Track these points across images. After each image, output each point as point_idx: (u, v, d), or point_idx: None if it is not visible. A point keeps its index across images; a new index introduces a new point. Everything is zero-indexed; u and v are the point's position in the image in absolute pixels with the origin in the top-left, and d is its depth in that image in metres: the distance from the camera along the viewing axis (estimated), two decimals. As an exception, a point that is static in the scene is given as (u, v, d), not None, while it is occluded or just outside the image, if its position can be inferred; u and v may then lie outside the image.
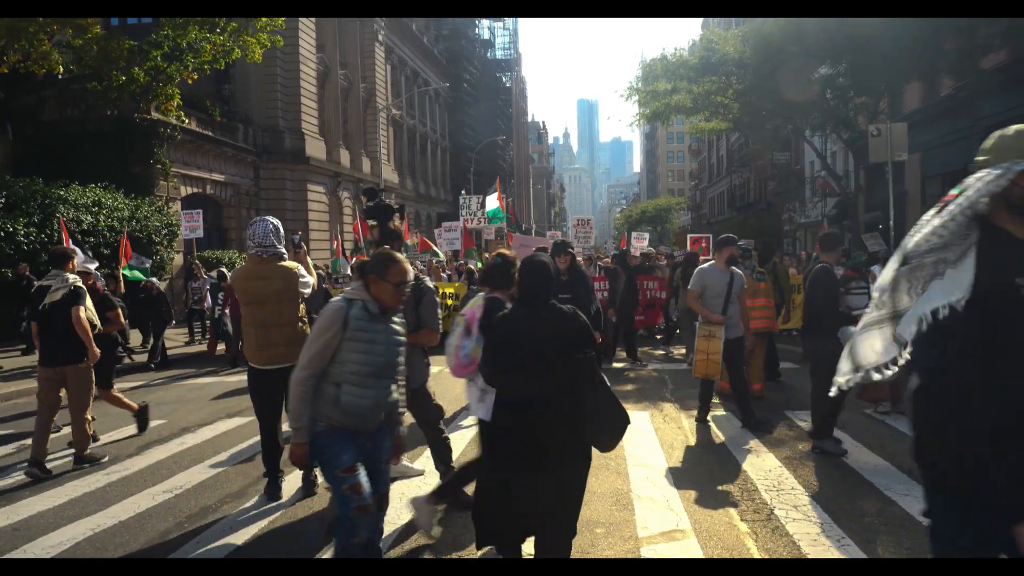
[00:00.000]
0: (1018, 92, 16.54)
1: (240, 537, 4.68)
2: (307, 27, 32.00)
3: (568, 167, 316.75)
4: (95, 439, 7.26)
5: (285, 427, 5.49)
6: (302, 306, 5.43)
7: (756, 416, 7.39)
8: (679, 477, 5.80)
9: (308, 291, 5.46)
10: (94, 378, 6.79)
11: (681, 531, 4.67)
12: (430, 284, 5.40)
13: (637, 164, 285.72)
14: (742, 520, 4.84)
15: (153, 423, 8.28)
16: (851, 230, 29.63)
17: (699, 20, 79.83)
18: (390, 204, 6.09)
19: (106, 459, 6.70)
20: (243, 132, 28.73)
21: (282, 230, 5.41)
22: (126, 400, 7.81)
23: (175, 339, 16.16)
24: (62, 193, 16.92)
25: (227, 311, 13.01)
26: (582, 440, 3.47)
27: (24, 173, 16.99)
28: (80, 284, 6.58)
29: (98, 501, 5.56)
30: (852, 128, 20.76)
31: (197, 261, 17.40)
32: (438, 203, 54.53)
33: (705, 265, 7.49)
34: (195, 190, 25.69)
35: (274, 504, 5.27)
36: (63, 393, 6.65)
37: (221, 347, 13.69)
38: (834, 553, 4.26)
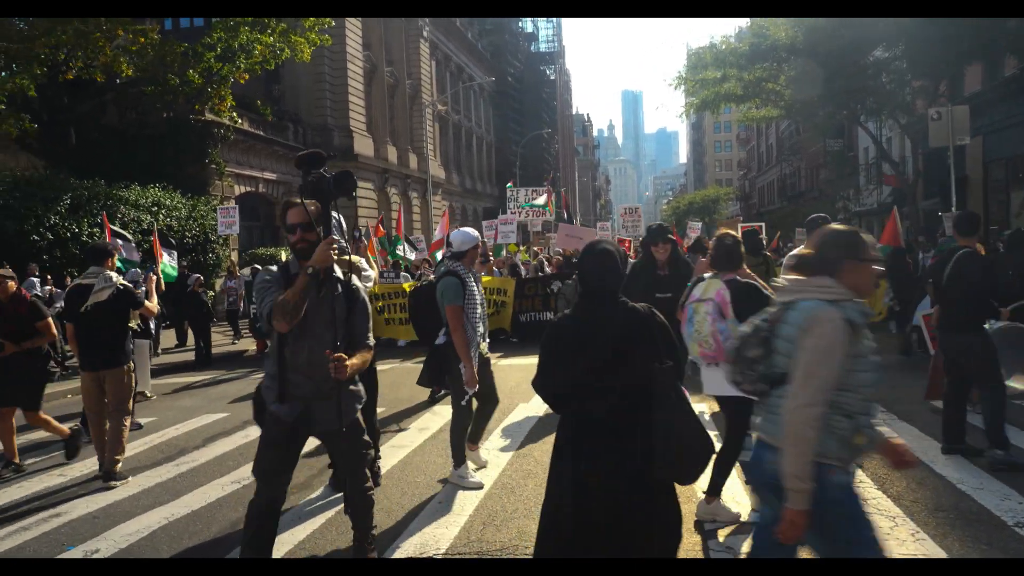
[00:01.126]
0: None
1: (307, 527, 4.77)
2: (353, 26, 32.36)
3: (613, 159, 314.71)
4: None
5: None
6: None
7: None
8: (740, 466, 5.71)
9: (370, 284, 5.53)
10: (133, 383, 6.35)
11: (750, 524, 4.60)
12: (359, 285, 4.05)
13: (683, 155, 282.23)
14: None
15: (216, 416, 8.51)
16: (909, 218, 28.81)
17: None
18: (349, 173, 3.51)
19: (129, 479, 6.04)
20: (293, 131, 29.22)
21: (344, 224, 5.47)
22: (55, 424, 6.70)
23: (216, 339, 15.93)
24: (123, 194, 17.45)
25: None
26: (653, 472, 2.81)
27: (87, 176, 17.56)
28: (125, 283, 6.21)
29: (170, 491, 5.73)
30: (910, 112, 20.15)
31: (233, 259, 17.30)
32: (484, 197, 54.71)
33: (793, 253, 6.55)
34: (248, 189, 26.23)
35: (339, 495, 5.35)
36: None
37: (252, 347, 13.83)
38: (909, 549, 4.15)
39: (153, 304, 6.73)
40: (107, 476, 5.93)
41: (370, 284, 5.54)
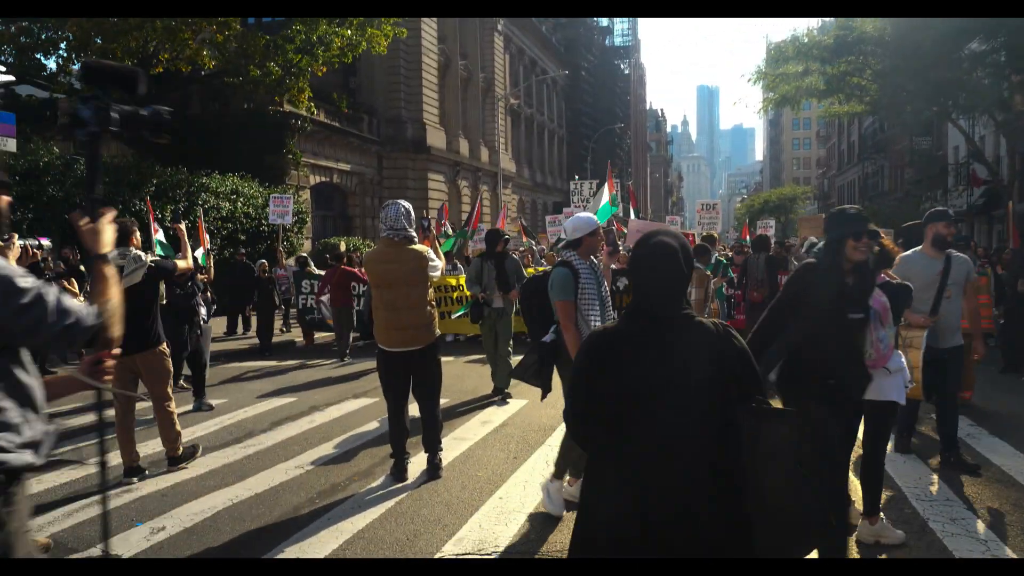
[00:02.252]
0: None
1: (367, 516, 4.75)
2: (429, 19, 32.59)
3: (686, 155, 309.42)
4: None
5: (412, 409, 5.58)
6: (431, 290, 5.46)
7: (959, 455, 5.68)
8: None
9: (437, 274, 5.48)
10: (170, 365, 6.01)
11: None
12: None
13: (759, 152, 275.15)
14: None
15: (283, 401, 8.65)
16: (1002, 220, 27.28)
17: None
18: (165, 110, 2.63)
19: (200, 452, 6.15)
20: (367, 123, 29.66)
21: (413, 214, 5.45)
22: None
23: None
24: (204, 181, 18.01)
25: (321, 298, 12.82)
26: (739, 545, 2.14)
27: (170, 163, 18.19)
28: (155, 258, 5.90)
29: (235, 473, 5.82)
30: (1007, 109, 19.02)
31: (280, 247, 16.59)
32: (554, 192, 54.49)
33: (909, 252, 5.44)
34: (323, 179, 26.76)
35: (400, 485, 5.34)
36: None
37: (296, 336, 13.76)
38: None
39: (188, 259, 6.30)
40: (172, 461, 5.84)
41: (436, 274, 5.49)
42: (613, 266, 15.50)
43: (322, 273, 13.39)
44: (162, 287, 6.47)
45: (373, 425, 7.34)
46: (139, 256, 5.55)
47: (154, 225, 11.44)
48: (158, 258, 5.77)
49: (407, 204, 5.45)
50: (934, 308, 5.24)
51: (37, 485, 5.54)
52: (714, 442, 2.13)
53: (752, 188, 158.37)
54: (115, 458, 6.15)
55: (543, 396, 4.83)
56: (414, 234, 5.39)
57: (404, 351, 5.32)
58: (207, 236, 12.35)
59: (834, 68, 18.78)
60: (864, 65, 18.72)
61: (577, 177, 23.91)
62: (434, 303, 5.50)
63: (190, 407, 8.10)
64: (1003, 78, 18.25)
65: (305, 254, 15.74)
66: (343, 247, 22.72)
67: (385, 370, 5.46)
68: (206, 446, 6.67)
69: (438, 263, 5.52)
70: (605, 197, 19.69)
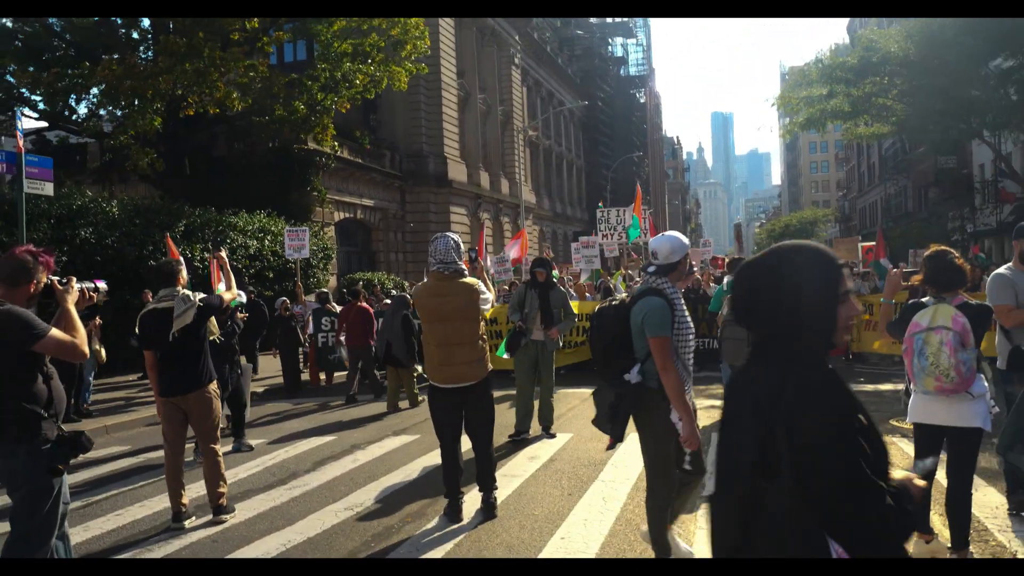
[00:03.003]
0: None
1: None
2: (448, 54, 32.98)
3: (703, 182, 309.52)
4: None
5: (466, 447, 5.42)
6: (482, 324, 5.32)
7: None
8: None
9: (488, 307, 5.35)
10: (219, 406, 5.83)
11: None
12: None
13: (776, 176, 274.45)
14: (981, 566, 4.22)
15: (323, 440, 8.52)
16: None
17: (843, 23, 75.77)
18: None
19: (235, 513, 5.71)
20: (390, 158, 29.90)
21: (463, 246, 5.34)
22: None
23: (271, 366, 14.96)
24: (232, 220, 18.13)
25: (341, 338, 12.37)
26: None
27: (199, 203, 18.36)
28: (203, 295, 5.69)
29: (284, 516, 5.67)
30: (1039, 125, 18.75)
31: (299, 283, 15.73)
32: (574, 222, 54.52)
33: (1002, 269, 4.93)
34: (347, 215, 26.91)
35: (456, 526, 5.16)
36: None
37: (321, 375, 13.20)
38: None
39: (233, 289, 6.12)
40: (217, 511, 5.55)
41: (487, 307, 5.37)
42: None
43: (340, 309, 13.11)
44: (213, 322, 6.38)
45: (418, 463, 7.18)
46: (187, 296, 5.42)
47: (218, 275, 11.55)
48: (204, 298, 5.60)
49: (456, 236, 5.34)
50: None
51: (83, 532, 5.43)
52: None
53: (771, 212, 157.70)
54: (161, 502, 6.07)
55: (612, 444, 4.15)
56: (464, 267, 5.28)
57: (457, 387, 5.18)
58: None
59: (859, 90, 18.66)
60: (889, 85, 18.59)
61: (602, 204, 23.65)
62: (485, 337, 5.37)
63: (229, 448, 7.98)
64: (1032, 94, 18.02)
65: (326, 290, 15.25)
66: (378, 281, 22.86)
67: (437, 407, 5.31)
68: (249, 488, 6.55)
69: (489, 296, 5.40)
70: (632, 216, 19.32)
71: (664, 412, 3.84)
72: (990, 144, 21.06)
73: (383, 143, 29.99)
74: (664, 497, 4.01)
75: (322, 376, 13.40)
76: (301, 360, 14.07)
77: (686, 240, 4.06)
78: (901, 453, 6.83)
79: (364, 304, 12.10)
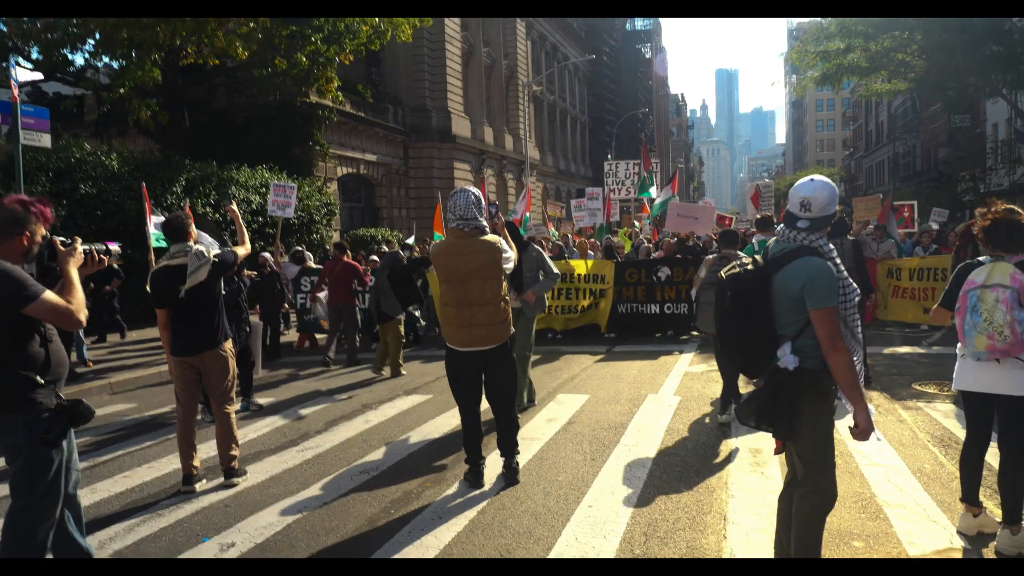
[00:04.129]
0: None
1: (451, 529, 4.39)
2: (452, 5, 32.11)
3: (706, 140, 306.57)
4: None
5: (484, 408, 5.22)
6: (504, 284, 5.06)
7: None
8: (925, 480, 5.02)
9: (510, 266, 5.08)
10: (233, 365, 5.52)
11: (956, 549, 3.96)
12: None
13: (780, 135, 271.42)
14: (1029, 540, 4.04)
15: (333, 400, 8.34)
16: (1047, 199, 26.43)
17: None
18: None
19: (247, 475, 5.54)
20: (393, 113, 29.33)
21: (484, 201, 5.05)
22: None
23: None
24: (233, 175, 17.76)
25: (319, 296, 11.56)
26: None
27: (199, 158, 17.95)
28: (218, 251, 5.48)
29: (298, 480, 5.49)
30: (1059, 83, 18.24)
31: (278, 243, 13.62)
32: (578, 179, 53.91)
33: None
34: (350, 170, 26.48)
35: (478, 492, 4.98)
36: None
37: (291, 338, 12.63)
38: None
39: (246, 244, 5.74)
40: (228, 474, 5.38)
41: (510, 266, 5.11)
42: (656, 254, 14.61)
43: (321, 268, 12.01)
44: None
45: (433, 424, 7.00)
46: (201, 252, 5.14)
47: (150, 214, 10.58)
48: (219, 253, 5.37)
49: (476, 191, 5.04)
50: None
51: (91, 495, 5.26)
52: None
53: (774, 171, 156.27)
54: (170, 464, 5.90)
55: (779, 448, 3.35)
56: (485, 223, 5.00)
57: (478, 351, 4.94)
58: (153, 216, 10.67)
59: (877, 44, 18.09)
60: (909, 40, 18.00)
61: (611, 156, 23.14)
62: (508, 298, 5.11)
63: (237, 407, 7.79)
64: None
65: (301, 248, 13.98)
66: (382, 237, 22.47)
67: (456, 372, 5.06)
68: (260, 449, 6.38)
69: (511, 254, 5.12)
70: (656, 190, 18.81)
71: (831, 397, 3.19)
72: (1012, 103, 20.50)
73: (386, 97, 29.39)
74: (831, 497, 3.23)
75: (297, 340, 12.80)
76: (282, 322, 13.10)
77: (835, 189, 3.23)
78: (926, 418, 6.65)
79: (350, 260, 11.14)
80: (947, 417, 6.62)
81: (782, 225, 3.25)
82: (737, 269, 3.24)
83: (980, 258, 4.06)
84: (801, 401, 3.14)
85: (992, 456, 4.12)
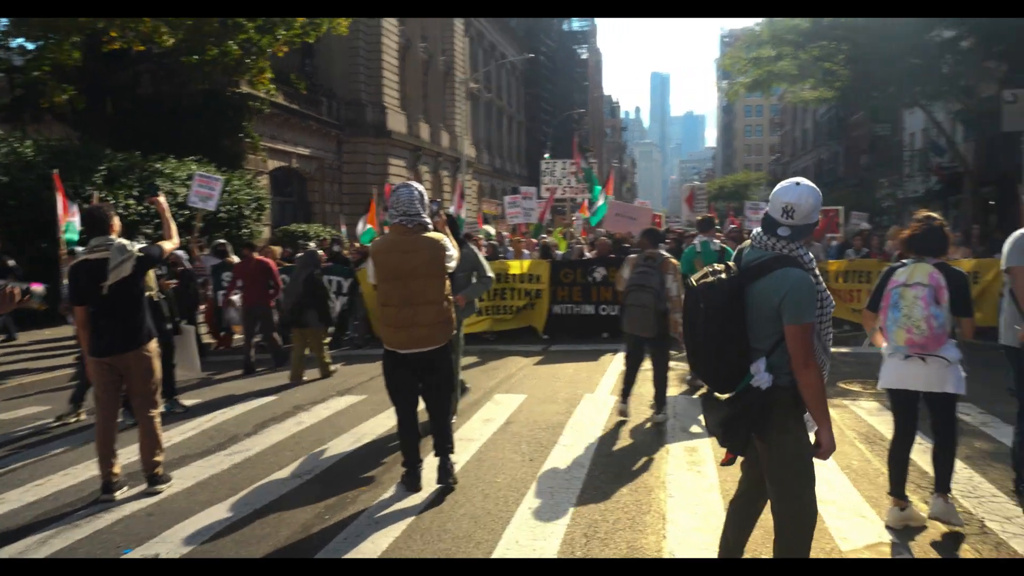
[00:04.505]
0: None
1: (389, 534, 4.27)
2: None
3: (639, 142, 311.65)
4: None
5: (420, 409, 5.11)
6: (447, 283, 4.95)
7: None
8: (853, 477, 5.16)
9: (453, 265, 4.97)
10: (158, 367, 5.24)
11: (887, 544, 4.07)
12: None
13: (710, 139, 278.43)
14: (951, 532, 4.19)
15: (262, 401, 8.07)
16: (958, 206, 27.81)
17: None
18: None
19: (172, 482, 5.27)
20: (327, 106, 28.75)
21: (427, 197, 4.92)
22: None
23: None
24: (159, 166, 17.08)
25: (232, 297, 10.70)
26: None
27: (122, 147, 17.19)
28: (143, 245, 5.17)
29: (226, 485, 5.27)
30: (972, 96, 19.18)
31: (195, 236, 12.81)
32: (514, 177, 54.00)
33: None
34: (281, 164, 25.84)
35: (415, 496, 4.87)
36: None
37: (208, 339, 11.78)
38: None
39: (174, 238, 5.41)
40: (151, 480, 5.10)
41: (452, 265, 5.01)
42: (591, 254, 14.54)
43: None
44: (151, 276, 5.80)
45: (368, 425, 6.84)
46: (123, 246, 4.88)
47: (64, 205, 10.08)
48: (145, 248, 5.08)
49: (420, 186, 4.92)
50: None
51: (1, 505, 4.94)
52: None
53: (704, 174, 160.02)
54: (87, 471, 5.58)
55: (728, 460, 3.17)
56: (428, 220, 4.88)
57: (418, 352, 4.81)
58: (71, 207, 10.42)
59: (807, 53, 18.69)
60: (836, 50, 18.65)
61: (548, 155, 23.02)
62: (451, 297, 5.00)
63: (162, 409, 7.46)
64: (970, 65, 18.37)
65: (223, 241, 13.23)
66: (314, 233, 21.93)
67: (394, 374, 4.91)
68: (186, 454, 6.11)
69: (454, 252, 5.01)
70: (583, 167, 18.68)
71: (802, 415, 2.98)
72: (929, 114, 21.49)
73: (320, 90, 28.78)
74: (812, 517, 3.03)
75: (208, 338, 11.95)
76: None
77: (819, 194, 3.01)
78: (852, 415, 6.85)
79: (263, 257, 10.39)
80: (871, 415, 6.83)
81: (758, 230, 3.00)
82: (711, 278, 3.01)
83: (904, 260, 4.35)
84: (777, 420, 2.94)
85: (916, 453, 4.30)
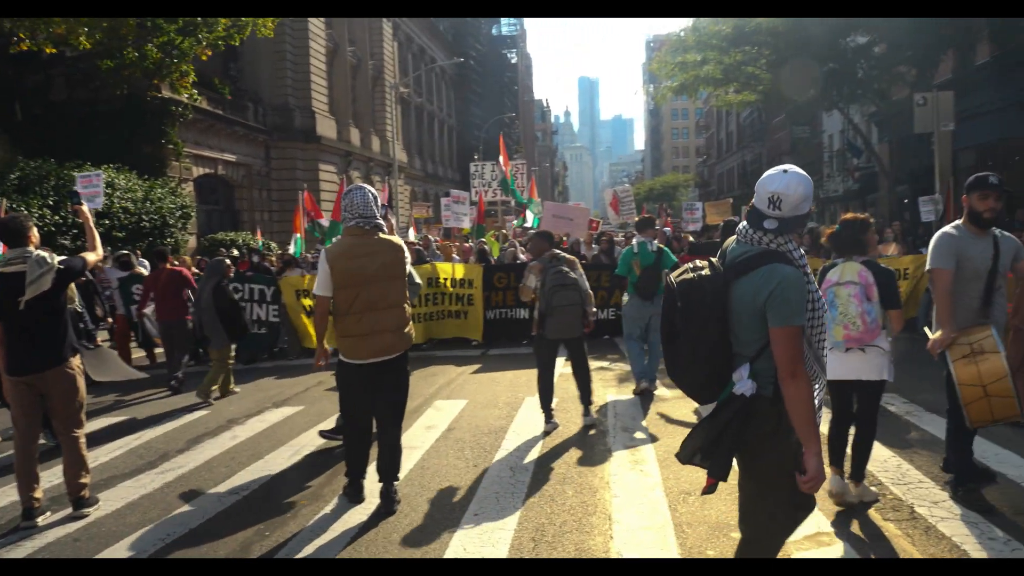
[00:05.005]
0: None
1: (332, 548, 4.16)
2: (316, 2, 31.19)
3: (569, 145, 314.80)
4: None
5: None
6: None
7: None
8: (791, 471, 5.30)
9: (407, 270, 4.88)
10: (82, 384, 4.98)
11: (826, 534, 4.18)
12: None
13: (639, 142, 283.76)
14: (885, 520, 4.34)
15: (194, 416, 7.80)
16: (875, 204, 29.07)
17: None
18: None
19: (99, 504, 5.03)
20: (253, 111, 28.08)
21: (380, 199, 4.81)
22: None
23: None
24: (75, 174, 16.34)
25: (145, 311, 10.02)
26: None
27: (36, 154, 16.42)
28: (63, 257, 4.90)
29: (159, 505, 5.05)
30: (885, 99, 20.10)
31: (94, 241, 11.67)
32: (445, 182, 53.77)
33: (949, 228, 4.45)
34: (207, 170, 25.10)
35: (358, 507, 4.76)
36: None
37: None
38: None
39: (98, 249, 5.17)
40: (77, 504, 4.86)
41: (410, 267, 4.93)
42: (524, 258, 14.44)
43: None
44: (73, 289, 5.49)
45: (306, 437, 6.67)
46: (43, 258, 4.62)
47: None
48: (65, 260, 4.82)
49: (372, 189, 4.81)
50: (986, 301, 4.29)
51: (-91, 536, 4.61)
52: None
53: (634, 176, 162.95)
54: (6, 497, 5.28)
55: (709, 487, 2.72)
56: (383, 222, 4.77)
57: (379, 362, 4.63)
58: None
59: (730, 58, 19.25)
60: (759, 55, 19.28)
61: (477, 157, 22.79)
62: (409, 303, 4.90)
63: (87, 430, 7.12)
64: (886, 69, 19.24)
65: (127, 251, 12.40)
66: (242, 241, 21.27)
67: (351, 386, 4.72)
68: (113, 474, 5.84)
69: (409, 257, 4.93)
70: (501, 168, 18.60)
71: (787, 432, 2.60)
72: (844, 115, 22.42)
73: (246, 94, 28.07)
74: (775, 551, 2.82)
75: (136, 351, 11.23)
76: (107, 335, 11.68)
77: (810, 182, 2.66)
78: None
79: (177, 267, 9.68)
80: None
81: (744, 223, 2.71)
82: (690, 275, 2.69)
83: (835, 259, 4.61)
84: (758, 435, 2.62)
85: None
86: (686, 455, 2.75)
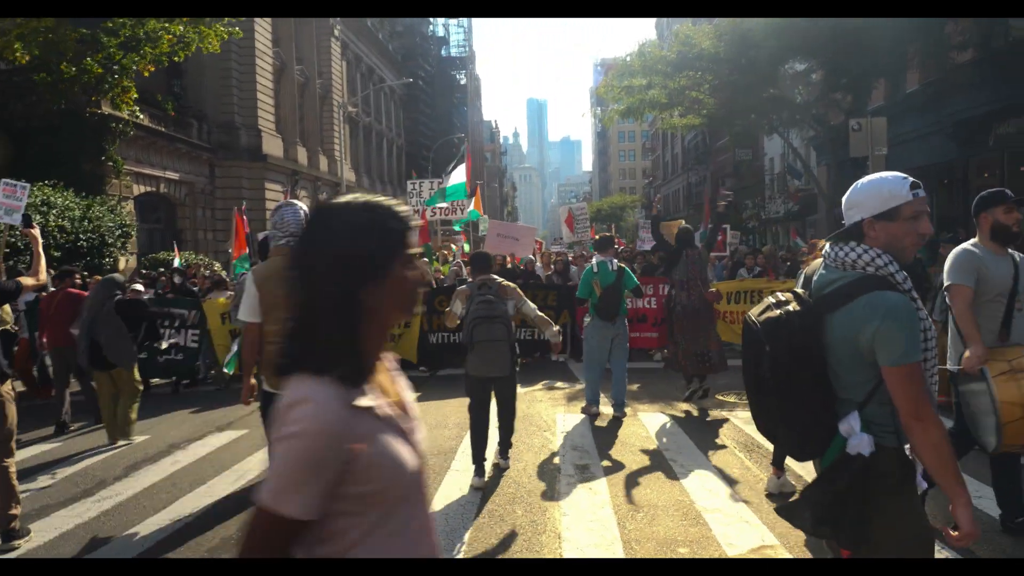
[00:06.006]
0: (983, 89, 16.75)
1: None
2: (263, 20, 30.93)
3: (518, 166, 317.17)
4: None
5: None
6: None
7: None
8: (735, 484, 5.40)
9: None
10: (12, 411, 4.73)
11: (770, 547, 4.27)
12: None
13: (587, 163, 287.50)
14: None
15: (138, 439, 7.56)
16: (815, 225, 29.99)
17: (650, 22, 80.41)
18: None
19: (31, 536, 4.84)
20: (197, 128, 27.57)
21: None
22: None
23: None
24: None
25: (44, 340, 8.76)
26: None
27: (-35, 170, 15.81)
28: None
29: (95, 535, 4.88)
30: (823, 124, 20.82)
31: None
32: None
33: (968, 245, 4.10)
34: (149, 189, 24.51)
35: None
36: None
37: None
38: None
39: (40, 274, 4.86)
40: (6, 536, 4.65)
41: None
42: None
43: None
44: (7, 310, 5.27)
45: (249, 462, 6.54)
46: None
47: None
48: None
49: (304, 206, 4.75)
50: (1006, 320, 3.94)
51: None
52: None
53: (582, 197, 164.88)
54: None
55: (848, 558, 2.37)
56: None
57: None
58: None
59: (675, 82, 19.71)
60: (702, 80, 19.79)
61: (415, 174, 22.46)
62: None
63: (17, 458, 6.84)
64: (820, 95, 19.96)
65: (24, 271, 10.99)
66: (177, 262, 20.73)
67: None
68: (46, 504, 5.62)
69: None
70: (462, 176, 18.33)
71: (915, 484, 2.25)
72: (785, 139, 23.14)
73: (190, 111, 27.55)
74: None
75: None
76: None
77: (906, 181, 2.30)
78: (731, 426, 7.19)
79: (74, 290, 8.70)
80: (748, 423, 7.19)
81: (828, 245, 2.32)
82: (776, 312, 2.26)
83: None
84: (888, 496, 2.18)
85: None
86: (808, 525, 2.33)
